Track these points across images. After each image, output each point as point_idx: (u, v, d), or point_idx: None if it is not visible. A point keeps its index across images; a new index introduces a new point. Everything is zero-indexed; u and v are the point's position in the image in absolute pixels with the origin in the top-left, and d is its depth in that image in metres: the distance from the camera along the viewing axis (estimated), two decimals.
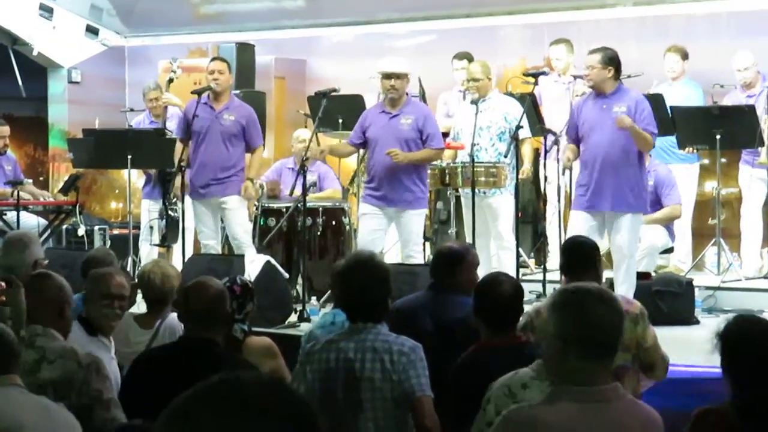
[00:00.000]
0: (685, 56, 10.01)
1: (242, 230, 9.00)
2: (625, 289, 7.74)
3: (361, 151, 9.08)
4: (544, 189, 9.63)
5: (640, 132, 7.74)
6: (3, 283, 4.38)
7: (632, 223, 7.84)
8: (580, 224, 7.90)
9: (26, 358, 4.14)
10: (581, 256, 5.27)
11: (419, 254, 8.60)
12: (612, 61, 7.86)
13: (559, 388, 3.02)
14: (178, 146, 9.08)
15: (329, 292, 7.72)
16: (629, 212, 7.80)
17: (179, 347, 4.56)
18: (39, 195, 10.50)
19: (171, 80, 10.11)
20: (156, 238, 9.55)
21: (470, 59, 10.03)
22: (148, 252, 9.94)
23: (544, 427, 2.94)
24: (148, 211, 10.05)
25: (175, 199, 9.26)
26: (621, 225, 7.81)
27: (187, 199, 9.31)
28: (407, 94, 8.70)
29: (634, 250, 7.98)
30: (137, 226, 10.18)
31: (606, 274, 8.33)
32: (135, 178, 10.52)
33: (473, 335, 4.80)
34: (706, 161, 10.28)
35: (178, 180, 9.01)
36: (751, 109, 8.98)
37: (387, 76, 8.50)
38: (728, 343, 3.66)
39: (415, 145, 8.48)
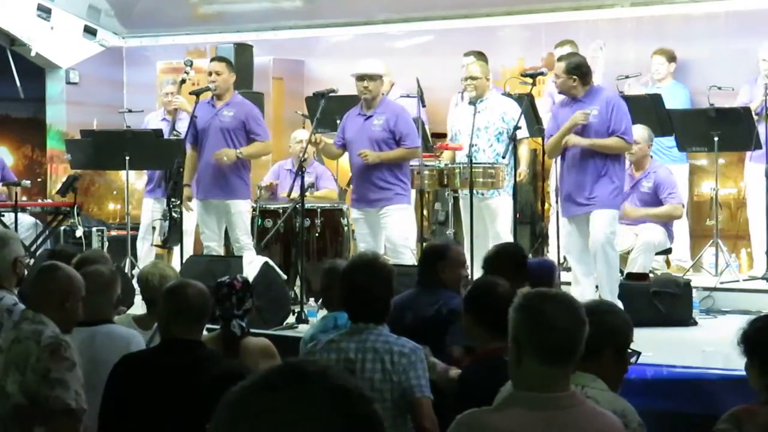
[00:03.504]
0: (671, 59, 10.06)
1: (244, 233, 9.01)
2: (608, 289, 7.75)
3: None
4: (543, 189, 9.64)
5: (592, 143, 7.78)
6: None
7: (606, 221, 7.85)
8: (567, 231, 8.00)
9: (7, 340, 4.47)
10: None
11: (406, 250, 8.60)
12: (576, 69, 7.87)
13: (513, 394, 2.97)
14: (190, 152, 9.13)
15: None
16: (602, 209, 7.82)
17: (165, 349, 4.50)
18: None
19: (183, 81, 10.11)
20: (157, 239, 9.54)
21: (478, 58, 9.98)
22: (146, 251, 9.92)
23: None
24: (151, 211, 10.01)
25: (178, 201, 9.25)
26: (596, 223, 7.84)
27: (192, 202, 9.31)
28: (383, 94, 8.74)
29: (612, 247, 7.96)
30: (135, 228, 10.16)
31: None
32: (133, 178, 10.51)
33: (445, 330, 4.80)
34: (704, 162, 10.29)
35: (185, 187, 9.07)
36: (747, 111, 8.99)
37: (360, 77, 8.57)
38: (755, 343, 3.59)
39: (387, 145, 8.53)
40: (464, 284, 5.79)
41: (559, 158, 8.35)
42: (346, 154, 9.00)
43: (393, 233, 8.50)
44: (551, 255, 9.45)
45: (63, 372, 4.36)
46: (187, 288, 4.52)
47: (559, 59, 8.14)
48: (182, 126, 9.93)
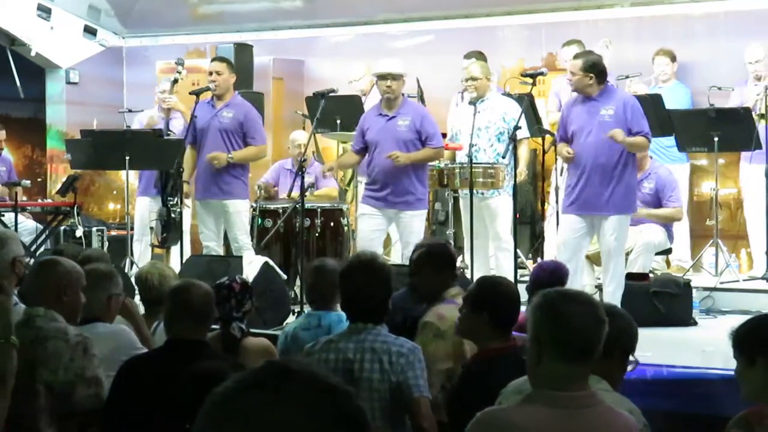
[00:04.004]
0: (673, 59, 10.06)
1: (242, 233, 9.01)
2: (612, 289, 7.76)
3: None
4: (543, 189, 9.64)
5: (632, 142, 7.76)
6: None
7: (620, 225, 7.84)
8: (569, 227, 7.94)
9: (24, 338, 4.40)
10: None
11: None
12: (593, 67, 7.84)
13: (533, 392, 3.00)
14: (189, 151, 9.13)
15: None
16: (616, 214, 7.80)
17: (168, 349, 4.51)
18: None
19: (176, 80, 10.10)
20: (155, 239, 9.53)
21: (479, 58, 9.97)
22: (142, 252, 9.91)
23: (514, 430, 2.91)
24: (148, 211, 9.99)
25: (176, 201, 9.25)
26: (608, 227, 7.81)
27: (188, 201, 9.31)
28: (403, 95, 8.71)
29: (622, 251, 7.99)
30: None
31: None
32: (133, 178, 10.50)
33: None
34: (704, 162, 10.29)
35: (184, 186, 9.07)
36: (747, 111, 9.00)
37: (383, 77, 8.54)
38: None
39: (413, 145, 8.50)
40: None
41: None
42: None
43: (411, 239, 8.47)
44: (549, 255, 9.44)
45: (95, 369, 4.44)
46: (192, 288, 4.53)
47: (576, 56, 8.09)
48: (175, 125, 9.96)
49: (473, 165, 8.31)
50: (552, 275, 5.81)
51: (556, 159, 9.10)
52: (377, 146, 8.53)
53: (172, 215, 9.27)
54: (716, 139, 8.90)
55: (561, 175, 9.25)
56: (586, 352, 2.98)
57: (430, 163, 8.64)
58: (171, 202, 9.30)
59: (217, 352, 4.63)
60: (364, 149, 8.72)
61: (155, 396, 4.21)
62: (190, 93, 9.34)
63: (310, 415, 1.47)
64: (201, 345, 4.46)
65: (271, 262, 8.43)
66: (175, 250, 9.54)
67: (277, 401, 1.48)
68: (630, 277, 8.38)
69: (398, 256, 9.03)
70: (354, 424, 1.50)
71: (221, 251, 9.25)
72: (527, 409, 2.95)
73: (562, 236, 8.07)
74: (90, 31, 13.32)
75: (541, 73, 9.00)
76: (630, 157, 7.89)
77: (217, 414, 1.49)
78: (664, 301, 8.13)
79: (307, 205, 8.85)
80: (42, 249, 9.99)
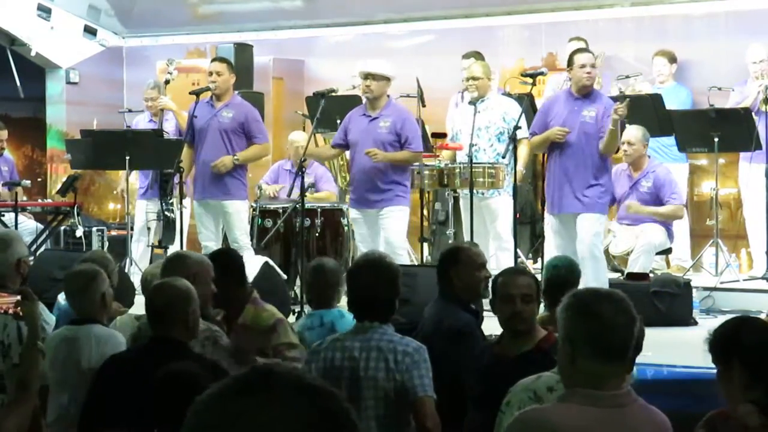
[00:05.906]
0: (672, 60, 10.06)
1: (242, 233, 9.01)
2: None
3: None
4: (542, 189, 9.63)
5: (616, 135, 7.83)
6: (19, 297, 4.44)
7: (595, 224, 7.90)
8: (553, 229, 8.06)
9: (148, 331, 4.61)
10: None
11: (403, 251, 8.62)
12: None
13: (569, 391, 2.99)
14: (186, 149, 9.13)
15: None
16: (591, 213, 7.87)
17: (146, 348, 4.49)
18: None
19: (167, 81, 10.11)
20: (154, 239, 9.54)
21: (477, 58, 9.97)
22: (141, 253, 9.91)
23: (555, 429, 2.91)
24: (145, 212, 10.02)
25: (173, 200, 9.25)
26: (584, 226, 7.88)
27: (186, 200, 9.31)
28: (388, 96, 8.75)
29: (601, 251, 8.04)
30: None
31: (609, 275, 8.41)
32: (133, 179, 10.51)
33: (441, 346, 4.88)
34: (704, 162, 10.29)
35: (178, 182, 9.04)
36: (747, 111, 9.00)
37: (364, 76, 8.58)
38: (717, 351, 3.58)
39: (392, 147, 8.59)
40: (485, 286, 5.42)
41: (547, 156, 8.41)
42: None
43: (391, 235, 8.51)
44: (549, 255, 9.45)
45: (225, 362, 4.55)
46: (169, 288, 4.51)
47: (584, 51, 8.15)
48: (167, 127, 9.98)
49: (473, 165, 8.31)
50: (568, 271, 5.75)
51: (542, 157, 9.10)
52: (357, 146, 8.61)
53: (167, 214, 9.28)
54: (716, 139, 8.91)
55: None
56: (620, 350, 2.98)
57: (428, 163, 8.66)
58: (167, 201, 9.30)
59: (193, 353, 4.56)
60: (343, 145, 8.81)
61: (130, 394, 4.20)
62: (190, 93, 9.34)
63: (296, 417, 1.47)
64: (179, 345, 4.38)
65: (271, 262, 8.43)
66: (171, 249, 9.53)
67: (262, 405, 1.48)
68: (630, 276, 8.39)
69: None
70: (341, 425, 1.50)
71: None
72: (566, 408, 2.94)
73: (553, 240, 8.17)
74: (90, 31, 13.32)
75: (541, 73, 9.01)
76: (605, 157, 7.97)
77: (203, 421, 1.49)
78: (664, 301, 8.13)
79: (307, 205, 8.86)
80: (42, 249, 9.99)
